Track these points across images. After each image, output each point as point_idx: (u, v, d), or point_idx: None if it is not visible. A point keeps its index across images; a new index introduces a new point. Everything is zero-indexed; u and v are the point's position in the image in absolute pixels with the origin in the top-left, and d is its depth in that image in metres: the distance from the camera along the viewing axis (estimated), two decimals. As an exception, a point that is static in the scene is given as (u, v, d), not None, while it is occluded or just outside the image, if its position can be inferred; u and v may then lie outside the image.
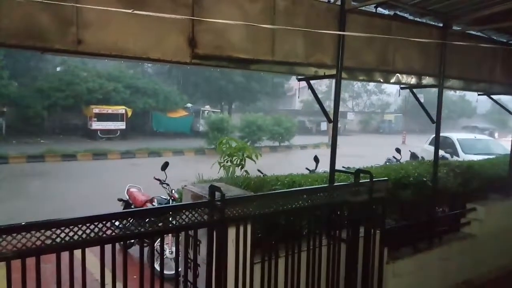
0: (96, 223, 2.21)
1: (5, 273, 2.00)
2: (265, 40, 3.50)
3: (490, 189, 5.86)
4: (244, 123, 23.83)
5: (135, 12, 2.43)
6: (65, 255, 2.15)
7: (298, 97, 44.56)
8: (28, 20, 2.52)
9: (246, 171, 4.96)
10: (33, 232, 2.02)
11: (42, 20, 2.56)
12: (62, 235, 2.11)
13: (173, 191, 5.66)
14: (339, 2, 3.89)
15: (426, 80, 5.11)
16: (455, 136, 13.05)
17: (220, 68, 3.62)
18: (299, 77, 4.16)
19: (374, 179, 3.58)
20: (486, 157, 7.29)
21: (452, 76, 5.30)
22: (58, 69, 27.85)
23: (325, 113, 4.21)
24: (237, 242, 2.79)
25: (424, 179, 4.92)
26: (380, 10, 4.40)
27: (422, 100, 5.63)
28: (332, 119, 3.99)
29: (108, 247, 2.32)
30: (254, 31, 3.34)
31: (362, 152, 19.63)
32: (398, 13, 4.54)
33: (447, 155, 11.10)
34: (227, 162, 5.27)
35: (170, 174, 5.99)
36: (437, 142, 5.16)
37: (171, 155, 19.16)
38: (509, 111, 6.36)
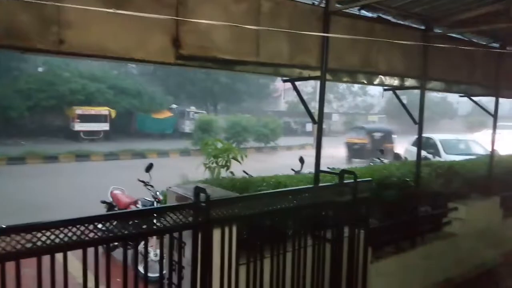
0: (78, 226, 2.17)
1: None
2: (250, 41, 3.51)
3: (471, 188, 5.98)
4: (230, 124, 23.79)
5: (117, 11, 2.41)
6: (46, 259, 2.11)
7: (284, 98, 44.70)
8: (8, 19, 2.47)
9: (231, 172, 4.95)
10: (12, 235, 1.98)
11: (22, 19, 2.51)
12: (43, 238, 2.06)
13: (158, 193, 5.61)
14: (323, 4, 3.93)
15: (409, 82, 5.19)
16: (437, 137, 13.30)
17: (204, 68, 3.61)
18: (284, 78, 4.17)
19: (358, 180, 3.62)
20: (467, 157, 7.44)
21: (434, 78, 5.39)
22: (39, 69, 27.31)
23: (310, 114, 4.23)
24: (222, 243, 2.78)
25: (407, 179, 5.00)
26: (364, 12, 4.45)
27: (405, 102, 5.71)
28: (316, 120, 4.01)
29: (91, 250, 2.28)
30: (238, 32, 3.34)
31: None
32: (381, 15, 4.60)
33: (430, 156, 11.30)
34: (212, 163, 5.25)
35: (155, 176, 5.94)
36: (420, 143, 5.24)
37: (156, 156, 18.99)
38: (489, 113, 6.50)
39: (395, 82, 5.06)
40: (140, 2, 2.91)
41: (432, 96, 40.15)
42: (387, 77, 4.92)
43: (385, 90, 5.32)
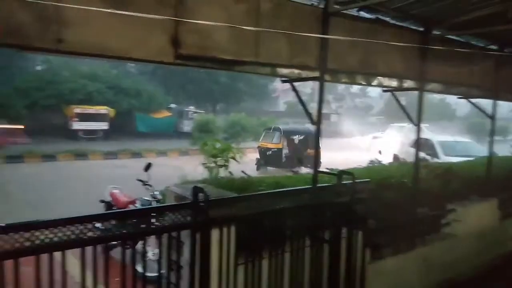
0: (76, 225, 2.18)
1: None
2: (249, 41, 3.51)
3: (469, 190, 5.99)
4: (229, 124, 23.78)
5: (116, 11, 2.41)
6: (44, 257, 2.11)
7: (282, 98, 44.68)
8: (7, 17, 2.47)
9: (230, 172, 4.96)
10: (11, 234, 1.98)
11: (21, 18, 2.51)
12: (42, 237, 2.07)
13: (156, 193, 5.61)
14: (322, 5, 3.93)
15: (408, 83, 5.20)
16: (435, 138, 13.31)
17: (203, 68, 3.62)
18: (283, 79, 4.18)
19: (356, 180, 3.63)
20: (465, 159, 7.46)
21: (432, 80, 5.41)
22: (38, 67, 27.27)
23: (308, 115, 4.24)
24: (220, 243, 2.78)
25: (405, 180, 5.00)
26: (363, 13, 4.46)
27: (404, 103, 5.72)
28: (315, 121, 4.02)
29: (89, 249, 2.28)
30: (238, 32, 3.35)
31: (346, 157, 18.39)
32: (380, 17, 4.61)
33: (428, 157, 11.31)
34: (211, 163, 5.26)
35: (154, 175, 5.93)
36: (418, 144, 5.25)
37: (155, 156, 18.97)
38: (487, 114, 6.52)
39: (394, 83, 5.07)
40: (139, 2, 2.91)
41: (430, 97, 40.16)
42: (386, 78, 4.93)
43: (384, 91, 5.33)
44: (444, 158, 10.96)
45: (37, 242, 2.06)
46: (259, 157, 15.63)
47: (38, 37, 2.59)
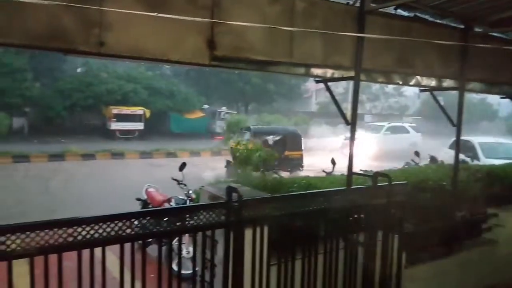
0: (116, 222, 2.25)
1: (28, 269, 2.05)
2: (283, 41, 3.51)
3: (512, 194, 5.71)
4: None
5: (158, 15, 2.47)
6: (85, 253, 2.19)
7: (316, 99, 44.32)
8: (52, 22, 2.59)
9: (262, 172, 4.97)
10: (55, 229, 2.08)
11: (66, 22, 2.63)
12: (83, 233, 2.15)
13: (190, 192, 5.70)
14: (358, 4, 3.87)
15: (447, 83, 5.03)
16: (476, 139, 12.79)
17: (238, 70, 3.66)
18: (317, 79, 4.15)
19: (392, 183, 3.54)
20: (507, 161, 7.12)
21: (473, 79, 5.20)
22: (78, 70, 28.42)
23: (343, 115, 4.18)
24: (253, 243, 2.79)
25: (444, 183, 4.84)
26: (400, 11, 4.35)
27: (441, 103, 5.54)
28: (350, 121, 3.96)
29: (126, 246, 2.35)
30: (272, 33, 3.35)
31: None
32: (418, 14, 4.48)
33: (468, 159, 10.88)
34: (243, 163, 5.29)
35: (188, 175, 6.04)
36: (458, 146, 5.07)
37: (188, 155, 19.29)
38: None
39: (432, 82, 4.92)
40: (176, 5, 2.97)
41: (470, 97, 38.56)
42: (424, 78, 4.78)
43: (421, 91, 5.18)
44: (485, 160, 10.52)
45: (79, 238, 2.15)
46: (230, 159, 14.17)
47: (82, 40, 2.70)
